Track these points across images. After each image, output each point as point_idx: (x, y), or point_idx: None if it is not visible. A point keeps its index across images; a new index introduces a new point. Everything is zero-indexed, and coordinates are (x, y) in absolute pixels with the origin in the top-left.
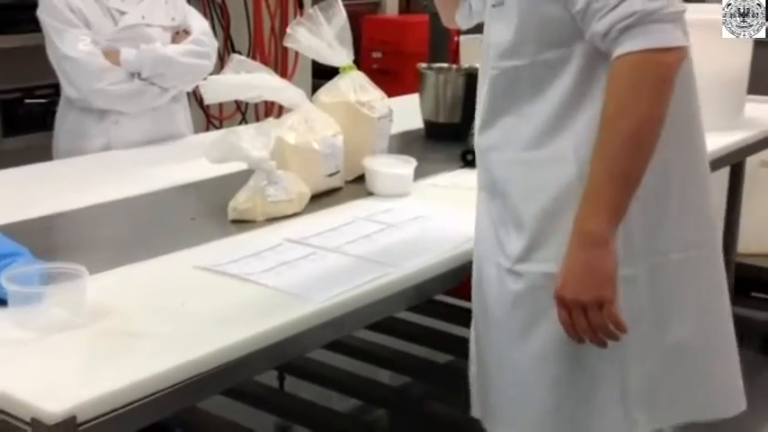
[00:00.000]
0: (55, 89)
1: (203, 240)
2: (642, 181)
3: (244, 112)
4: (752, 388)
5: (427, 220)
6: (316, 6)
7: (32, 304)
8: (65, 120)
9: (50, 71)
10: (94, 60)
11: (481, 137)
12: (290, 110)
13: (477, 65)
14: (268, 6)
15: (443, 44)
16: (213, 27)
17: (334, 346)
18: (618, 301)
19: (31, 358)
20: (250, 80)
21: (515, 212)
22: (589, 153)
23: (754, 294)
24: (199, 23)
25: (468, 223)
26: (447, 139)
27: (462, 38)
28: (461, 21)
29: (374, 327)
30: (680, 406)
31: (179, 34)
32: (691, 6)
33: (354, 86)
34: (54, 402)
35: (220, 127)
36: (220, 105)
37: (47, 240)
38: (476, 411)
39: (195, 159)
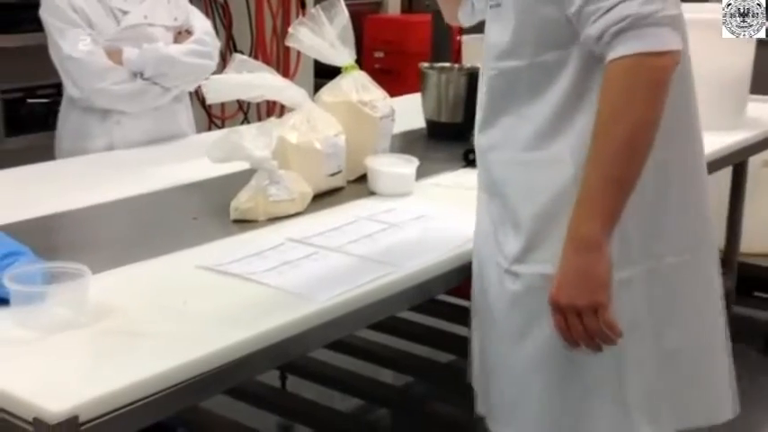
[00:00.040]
0: (57, 89)
1: (205, 240)
2: (642, 182)
3: (246, 111)
4: (754, 388)
5: (429, 219)
6: (318, 6)
7: (35, 304)
8: (67, 119)
9: (53, 71)
10: (97, 60)
11: (481, 137)
12: (292, 109)
13: (479, 64)
14: (270, 6)
15: (445, 44)
16: (215, 27)
17: (337, 346)
18: (614, 306)
19: (33, 358)
20: (252, 80)
21: (513, 213)
22: (586, 155)
23: (756, 294)
24: (201, 23)
25: (471, 223)
26: (449, 139)
27: (465, 37)
28: (464, 18)
29: (376, 326)
30: (679, 412)
31: (181, 34)
32: (693, 6)
33: (356, 86)
34: (56, 402)
35: (222, 126)
36: (222, 105)
37: (49, 240)
38: (480, 408)
39: (197, 159)
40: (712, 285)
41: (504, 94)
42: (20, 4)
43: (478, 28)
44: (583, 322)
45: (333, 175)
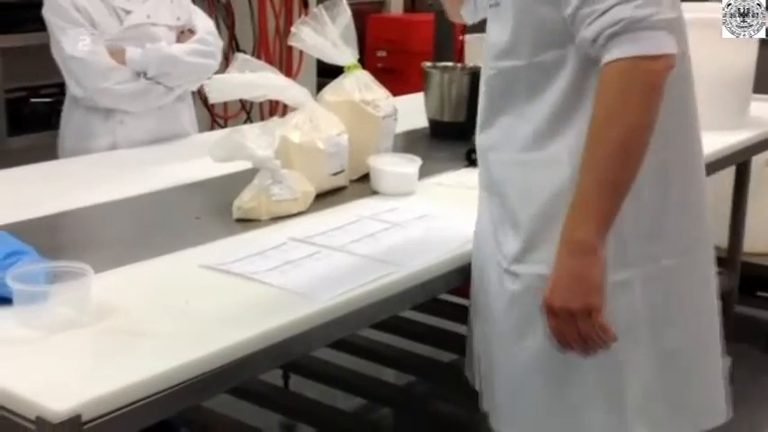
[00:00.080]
0: (60, 88)
1: (208, 239)
2: (641, 184)
3: (248, 111)
4: (757, 388)
5: (432, 218)
6: (320, 5)
7: (38, 303)
8: (70, 119)
9: (56, 70)
10: (100, 60)
11: (480, 136)
12: (294, 109)
13: (482, 64)
14: (273, 5)
15: (448, 43)
16: (218, 26)
17: (339, 345)
18: (611, 308)
19: (35, 357)
20: (255, 79)
21: (512, 213)
22: None
23: (759, 294)
24: (204, 23)
25: (473, 223)
26: (452, 138)
27: (467, 37)
28: (467, 15)
29: (379, 326)
30: (677, 416)
31: (184, 34)
32: (695, 5)
33: (359, 85)
34: (59, 401)
35: (225, 126)
36: (225, 104)
37: (52, 239)
38: (484, 405)
39: (200, 158)
40: (709, 286)
41: (502, 93)
42: (23, 4)
43: (481, 27)
44: (576, 325)
45: (335, 174)
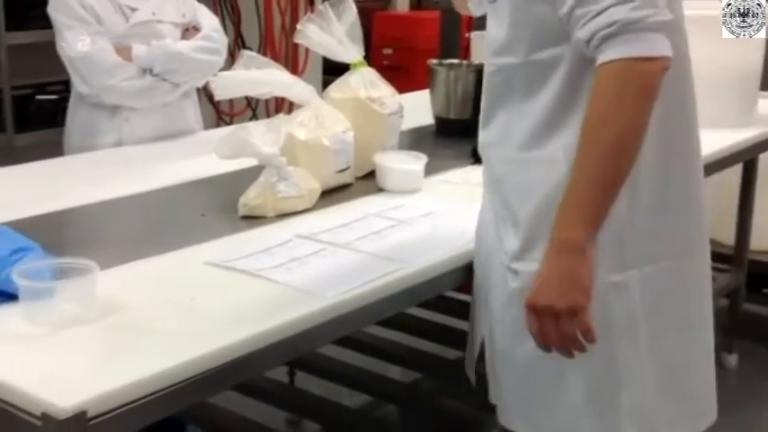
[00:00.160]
0: (66, 85)
1: (213, 236)
2: (640, 185)
3: (254, 108)
4: (764, 384)
5: (438, 216)
6: (326, 3)
7: (43, 299)
8: (76, 116)
9: (61, 68)
10: (106, 57)
11: (482, 133)
12: (300, 106)
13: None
14: (279, 3)
15: (454, 40)
16: (224, 23)
17: (345, 342)
18: (608, 309)
19: (41, 353)
20: (260, 76)
21: (512, 210)
22: None
23: (766, 291)
24: (209, 20)
25: None
26: (458, 136)
27: (473, 34)
28: (474, 8)
29: (384, 323)
30: (672, 417)
31: (189, 31)
32: (700, 3)
33: (365, 83)
34: (65, 397)
35: (231, 123)
36: (231, 101)
37: (58, 236)
38: (492, 399)
39: (205, 155)
40: (706, 287)
41: (501, 90)
42: (29, 2)
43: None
44: (558, 326)
45: (341, 171)
